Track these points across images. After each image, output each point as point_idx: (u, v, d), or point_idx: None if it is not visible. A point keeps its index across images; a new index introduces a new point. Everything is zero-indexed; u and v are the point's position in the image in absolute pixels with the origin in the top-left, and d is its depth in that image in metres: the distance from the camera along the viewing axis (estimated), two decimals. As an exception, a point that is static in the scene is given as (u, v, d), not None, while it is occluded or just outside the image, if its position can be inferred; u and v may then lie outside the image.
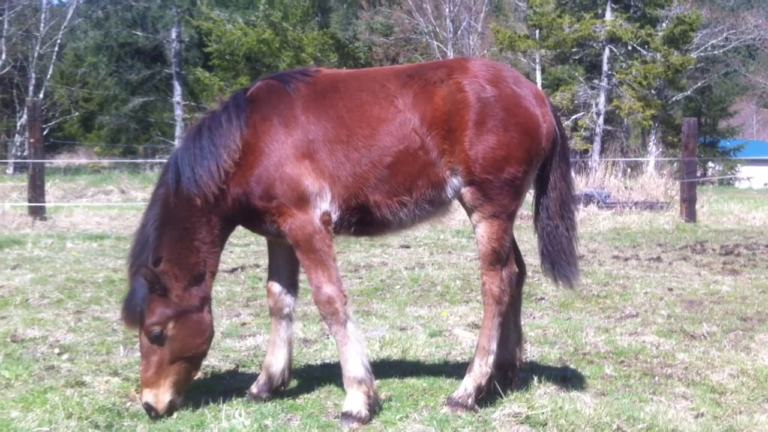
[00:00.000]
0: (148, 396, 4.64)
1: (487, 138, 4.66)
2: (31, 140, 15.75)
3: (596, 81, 38.40)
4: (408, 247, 12.28)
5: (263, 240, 12.16)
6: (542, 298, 8.20)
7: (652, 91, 38.89)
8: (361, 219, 4.85)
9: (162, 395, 4.67)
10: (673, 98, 44.64)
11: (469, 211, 4.83)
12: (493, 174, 4.67)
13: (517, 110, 4.74)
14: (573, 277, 5.05)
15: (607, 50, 37.55)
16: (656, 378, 5.56)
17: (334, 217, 4.76)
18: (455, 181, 4.76)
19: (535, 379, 5.26)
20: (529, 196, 5.34)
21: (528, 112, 4.77)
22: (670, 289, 8.77)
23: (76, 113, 42.59)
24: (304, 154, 4.71)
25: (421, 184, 4.74)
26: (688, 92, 45.36)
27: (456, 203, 5.02)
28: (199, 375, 5.36)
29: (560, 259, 4.99)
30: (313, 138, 4.73)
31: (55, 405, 4.71)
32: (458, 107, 4.68)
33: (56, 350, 6.17)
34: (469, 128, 4.66)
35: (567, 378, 5.51)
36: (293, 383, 5.30)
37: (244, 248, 11.88)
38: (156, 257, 4.68)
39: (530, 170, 4.83)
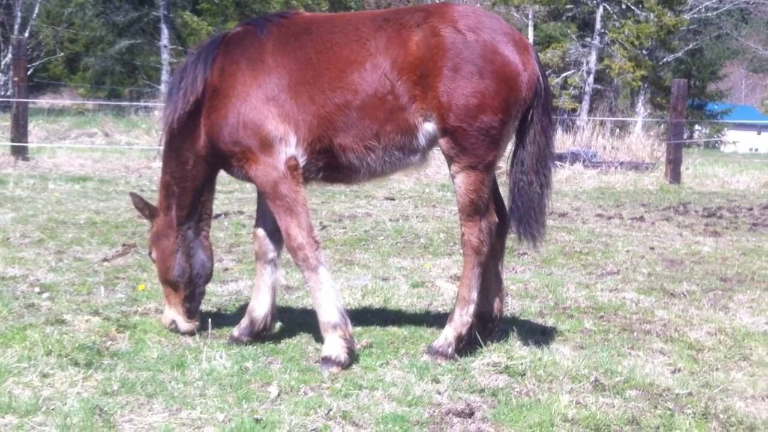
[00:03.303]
0: (164, 312, 5.29)
1: (460, 85, 4.54)
2: (15, 79, 15.51)
3: (588, 39, 38.17)
4: (393, 199, 12.26)
5: (247, 187, 12.22)
6: (524, 253, 8.22)
7: (644, 52, 38.73)
8: (328, 164, 4.81)
9: (167, 314, 5.22)
10: (664, 59, 44.46)
11: (448, 162, 4.77)
12: (466, 122, 4.56)
13: (494, 57, 4.59)
14: (538, 236, 4.91)
15: (600, 8, 37.26)
16: (635, 334, 5.61)
17: (301, 161, 4.73)
18: (428, 128, 4.67)
19: (515, 330, 5.28)
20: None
21: (506, 60, 4.62)
22: (652, 248, 8.82)
23: (62, 54, 41.98)
24: (269, 98, 4.70)
25: (389, 129, 4.66)
26: (680, 54, 45.18)
27: (433, 153, 4.98)
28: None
29: (528, 216, 4.84)
30: (278, 81, 4.71)
31: (35, 342, 4.70)
32: (432, 52, 4.57)
33: (36, 289, 6.15)
34: (443, 74, 4.55)
35: (546, 331, 5.55)
36: (275, 329, 5.31)
37: (228, 195, 11.83)
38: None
39: (508, 120, 4.68)
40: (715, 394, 4.47)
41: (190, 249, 5.18)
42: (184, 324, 5.18)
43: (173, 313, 5.18)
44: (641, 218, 11.06)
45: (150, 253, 5.28)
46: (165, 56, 36.69)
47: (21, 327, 5.05)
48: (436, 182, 14.40)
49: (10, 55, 32.17)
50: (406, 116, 4.64)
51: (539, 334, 5.41)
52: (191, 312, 5.22)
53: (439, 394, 4.32)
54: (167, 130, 4.95)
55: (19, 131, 15.06)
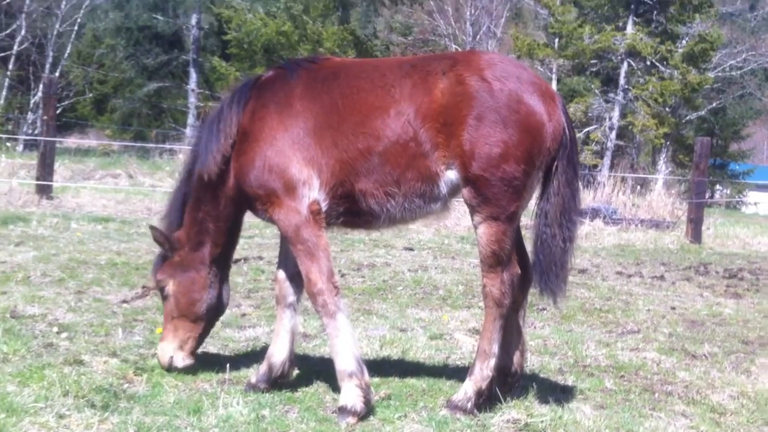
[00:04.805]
0: (159, 347, 5.25)
1: (484, 134, 4.52)
2: (45, 117, 15.73)
3: (611, 94, 38.31)
4: (412, 249, 12.25)
5: (267, 232, 12.26)
6: (543, 309, 8.15)
7: (667, 109, 38.77)
8: (349, 209, 4.82)
9: (165, 349, 5.19)
10: (687, 117, 44.49)
11: (471, 212, 4.74)
12: (489, 172, 4.53)
13: (519, 107, 4.57)
14: (559, 292, 4.82)
15: (625, 64, 37.45)
16: (656, 395, 5.52)
17: (323, 205, 4.75)
18: (451, 177, 4.65)
19: (535, 387, 5.22)
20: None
21: (531, 110, 4.59)
22: (673, 308, 8.73)
23: (90, 94, 42.62)
24: (294, 141, 4.75)
25: (410, 176, 4.65)
26: (702, 112, 45.19)
27: (454, 204, 4.97)
28: (197, 363, 5.36)
29: (549, 270, 4.77)
30: (304, 125, 4.77)
31: (52, 382, 4.70)
32: (456, 100, 4.57)
33: (55, 329, 6.15)
34: (467, 123, 4.54)
35: (567, 389, 5.48)
36: (293, 376, 5.27)
37: (248, 240, 11.85)
38: (177, 221, 5.25)
39: (531, 171, 4.64)
40: (739, 460, 4.38)
41: (220, 286, 5.24)
42: (182, 361, 5.19)
43: (173, 349, 5.18)
44: (662, 277, 10.97)
45: (162, 288, 5.25)
46: (192, 100, 37.21)
47: (39, 366, 5.05)
48: (455, 234, 14.37)
49: (40, 94, 32.80)
50: (428, 164, 4.65)
51: (559, 392, 5.34)
52: (194, 349, 5.27)
53: (457, 450, 4.27)
54: (208, 170, 4.97)
55: (45, 170, 15.23)
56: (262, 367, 5.11)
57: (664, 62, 37.03)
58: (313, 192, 4.73)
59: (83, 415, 4.32)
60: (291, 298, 5.15)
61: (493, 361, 4.83)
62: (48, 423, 4.19)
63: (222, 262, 5.28)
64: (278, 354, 5.09)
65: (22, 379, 4.79)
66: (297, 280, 5.05)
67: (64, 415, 4.31)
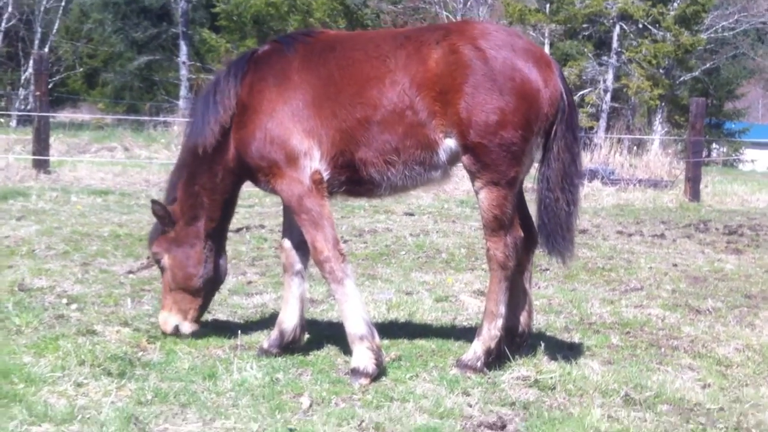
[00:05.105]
0: (160, 316, 5.32)
1: (480, 101, 4.58)
2: (37, 93, 15.65)
3: (605, 58, 38.11)
4: (412, 214, 12.28)
5: (267, 201, 12.28)
6: (547, 269, 8.21)
7: (661, 71, 38.64)
8: (350, 178, 4.88)
9: (168, 317, 5.27)
10: (681, 78, 44.35)
11: (471, 179, 4.81)
12: (487, 138, 4.59)
13: (514, 74, 4.63)
14: (567, 254, 4.91)
15: (617, 27, 37.22)
16: (662, 349, 5.59)
17: (325, 175, 4.80)
18: (450, 144, 4.71)
19: (542, 345, 5.27)
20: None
21: (526, 77, 4.65)
22: (675, 265, 8.80)
23: (81, 69, 42.37)
24: (294, 114, 4.80)
25: (409, 144, 4.71)
26: (696, 73, 45.05)
27: (457, 169, 5.01)
28: (208, 329, 5.42)
29: (556, 233, 4.85)
30: (303, 97, 4.82)
31: (68, 352, 4.75)
32: (451, 69, 4.62)
33: (64, 300, 6.19)
34: (462, 91, 4.59)
35: (574, 346, 5.55)
36: (304, 341, 5.32)
37: (249, 209, 11.87)
38: (172, 196, 5.25)
39: (529, 136, 4.70)
40: (746, 409, 4.46)
41: (215, 258, 5.26)
42: (188, 328, 5.28)
43: (177, 319, 5.26)
44: (662, 235, 11.03)
45: (159, 260, 5.32)
46: (183, 72, 36.94)
47: (53, 337, 5.10)
48: (455, 198, 14.41)
49: (31, 70, 32.55)
50: (426, 132, 4.70)
51: (567, 349, 5.41)
52: (197, 318, 5.34)
53: (470, 406, 4.34)
54: (204, 143, 5.01)
55: (41, 145, 15.19)
56: (274, 333, 5.17)
57: (657, 25, 36.80)
58: (314, 162, 4.78)
59: (101, 383, 4.37)
60: (298, 265, 5.20)
61: (500, 322, 4.90)
62: (66, 392, 4.25)
63: (217, 235, 5.32)
64: (289, 320, 5.16)
65: (37, 350, 4.84)
66: (302, 248, 5.11)
67: (82, 383, 4.36)
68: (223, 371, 4.66)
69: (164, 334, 5.28)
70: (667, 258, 9.26)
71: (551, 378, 4.74)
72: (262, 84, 4.91)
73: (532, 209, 5.09)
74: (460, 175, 13.37)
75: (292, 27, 33.06)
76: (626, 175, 18.06)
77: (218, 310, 6.12)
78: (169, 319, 5.27)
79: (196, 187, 5.15)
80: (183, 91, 35.94)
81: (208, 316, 5.51)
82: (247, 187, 5.46)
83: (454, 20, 45.02)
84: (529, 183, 5.28)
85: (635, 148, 21.38)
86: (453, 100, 4.61)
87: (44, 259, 7.69)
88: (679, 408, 4.45)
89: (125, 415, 3.93)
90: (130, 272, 7.34)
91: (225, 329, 5.55)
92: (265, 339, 5.22)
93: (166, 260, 5.26)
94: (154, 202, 5.27)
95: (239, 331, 5.29)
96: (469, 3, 46.22)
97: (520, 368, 4.90)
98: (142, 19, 42.83)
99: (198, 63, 38.46)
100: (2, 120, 23.52)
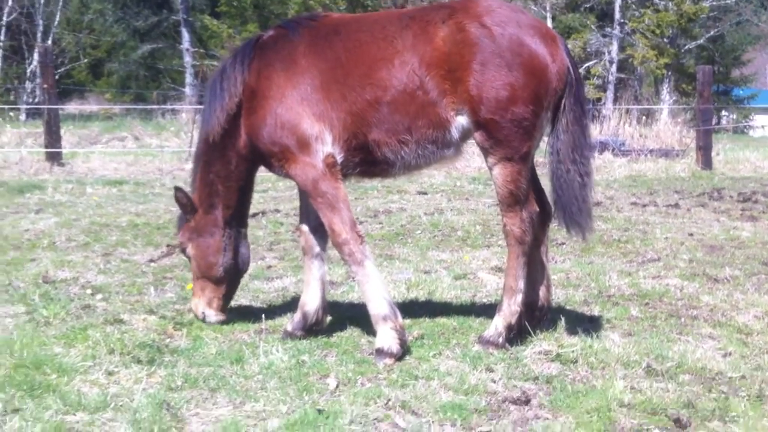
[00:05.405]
0: (192, 302, 5.42)
1: (489, 78, 4.62)
2: (45, 86, 15.74)
3: (608, 29, 37.87)
4: (425, 193, 12.32)
5: (280, 185, 12.32)
6: (563, 243, 8.25)
7: (665, 40, 38.37)
8: (364, 159, 4.92)
9: (198, 304, 5.37)
10: (686, 47, 44.03)
11: (484, 155, 4.86)
12: (498, 114, 4.63)
13: (521, 50, 4.66)
14: (585, 225, 4.95)
15: (618, -2, 36.96)
16: (682, 319, 5.63)
17: (339, 158, 4.85)
18: (461, 122, 4.75)
19: (562, 319, 5.32)
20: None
21: (533, 52, 4.69)
22: (691, 234, 8.82)
23: (85, 60, 42.42)
24: (303, 98, 4.83)
25: (421, 123, 4.75)
26: (701, 41, 44.72)
27: (468, 146, 5.04)
28: (232, 314, 5.49)
29: (571, 205, 4.88)
30: (311, 81, 4.85)
31: (97, 341, 4.83)
32: (459, 47, 4.65)
33: (89, 291, 6.28)
34: (471, 68, 4.63)
35: (593, 319, 5.60)
36: (326, 322, 5.39)
37: (263, 194, 11.94)
38: (193, 186, 5.34)
39: (539, 111, 4.74)
40: (769, 376, 4.49)
41: (236, 247, 5.32)
42: (214, 317, 5.36)
43: (203, 306, 5.34)
44: (676, 205, 11.04)
45: (184, 250, 5.40)
46: (187, 59, 36.92)
47: (82, 327, 5.19)
48: (467, 175, 14.43)
49: (35, 63, 32.61)
50: (437, 110, 4.73)
51: (587, 322, 5.46)
52: (222, 307, 5.40)
53: (494, 382, 4.40)
54: (211, 131, 5.07)
55: (53, 137, 15.29)
56: (297, 316, 5.23)
57: (658, -6, 36.53)
58: (326, 146, 4.82)
59: (131, 371, 4.45)
60: (317, 248, 5.26)
61: (520, 297, 4.95)
62: (98, 380, 4.33)
63: (237, 222, 5.36)
64: (311, 302, 5.22)
65: (67, 341, 4.92)
66: (320, 231, 5.16)
67: (113, 371, 4.44)
68: (250, 355, 4.73)
69: (198, 319, 5.39)
70: (682, 227, 9.27)
71: (573, 351, 4.79)
72: (269, 69, 4.94)
73: (545, 184, 5.13)
74: (470, 151, 13.39)
75: (292, 10, 32.94)
76: (637, 146, 18.04)
77: (240, 295, 6.19)
78: (199, 305, 5.37)
79: (211, 176, 5.21)
80: (188, 79, 35.95)
81: (231, 302, 5.58)
82: (260, 173, 5.50)
83: (457, -4, 44.81)
84: (540, 157, 5.31)
85: (644, 118, 21.30)
86: (462, 77, 4.64)
87: (66, 251, 7.78)
88: (701, 377, 4.49)
89: (157, 402, 4.00)
90: (151, 261, 7.42)
91: (248, 314, 5.62)
92: (288, 322, 5.29)
93: (190, 249, 5.35)
94: (177, 189, 5.30)
95: (263, 315, 5.37)
96: (471, -22, 45.79)
97: (541, 343, 4.96)
98: (143, 7, 42.71)
99: (201, 49, 38.40)
100: (12, 114, 23.58)
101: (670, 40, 39.88)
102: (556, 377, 4.47)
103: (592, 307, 5.96)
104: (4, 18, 36.93)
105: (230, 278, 5.39)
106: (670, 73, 40.17)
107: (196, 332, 5.22)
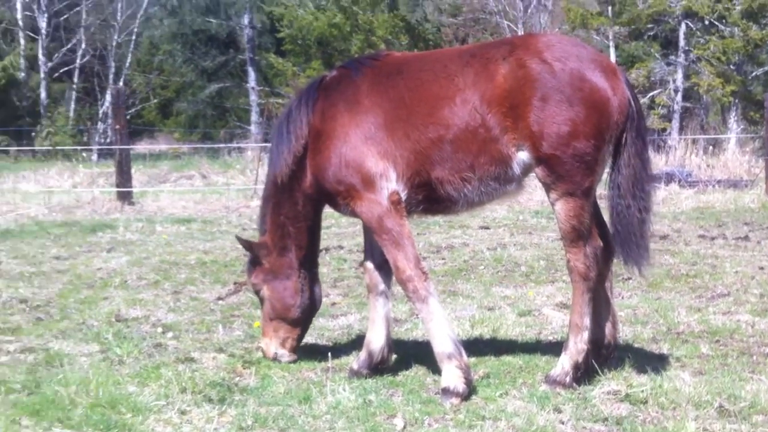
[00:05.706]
0: (261, 343, 5.53)
1: (550, 113, 4.64)
2: (117, 127, 16.26)
3: (672, 57, 37.37)
4: (488, 228, 12.30)
5: (343, 221, 12.45)
6: (629, 278, 8.13)
7: (731, 67, 37.67)
8: (428, 196, 4.97)
9: (269, 345, 5.47)
10: (753, 73, 43.15)
11: (546, 190, 4.86)
12: (560, 150, 4.65)
13: (582, 84, 4.67)
14: (642, 262, 4.89)
15: (683, 25, 36.49)
16: (754, 357, 5.51)
17: (403, 195, 4.91)
18: (523, 158, 4.76)
19: (631, 357, 5.26)
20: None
21: (594, 86, 4.69)
22: (761, 268, 8.61)
23: (155, 100, 43.68)
24: (367, 137, 4.91)
25: (483, 160, 4.79)
26: (768, 67, 43.77)
27: (530, 179, 5.06)
28: (299, 352, 5.56)
29: (630, 241, 4.84)
30: (374, 120, 4.93)
31: (169, 380, 4.95)
32: (520, 84, 4.68)
33: (160, 329, 6.45)
34: (532, 104, 4.65)
35: (663, 357, 5.51)
36: (391, 361, 5.42)
37: (326, 230, 12.02)
38: (264, 228, 5.45)
39: (601, 145, 4.74)
40: None
41: (311, 287, 5.42)
42: (287, 357, 5.45)
43: (276, 346, 5.43)
44: (746, 237, 10.80)
45: (258, 292, 5.49)
46: (253, 98, 37.78)
47: (155, 366, 5.33)
48: (529, 209, 14.36)
49: (107, 104, 33.73)
50: (499, 147, 4.77)
51: (656, 361, 5.38)
52: (295, 348, 5.49)
53: (563, 423, 4.36)
54: (280, 173, 5.19)
55: (123, 177, 15.77)
56: (362, 354, 5.28)
57: (723, 20, 35.93)
58: (391, 183, 4.89)
59: (203, 410, 4.55)
60: (382, 286, 5.31)
61: (586, 334, 4.91)
62: (171, 419, 4.44)
63: (309, 263, 5.46)
64: (376, 341, 5.26)
65: (140, 380, 5.05)
66: (385, 268, 5.21)
67: (186, 411, 4.55)
68: (317, 394, 4.79)
69: (267, 359, 5.48)
70: (752, 261, 9.06)
71: (642, 391, 4.72)
72: (333, 110, 5.05)
73: (606, 217, 5.10)
74: (533, 185, 13.29)
75: (355, 47, 33.51)
76: (704, 177, 17.69)
77: (307, 334, 6.27)
78: (270, 346, 5.45)
79: (282, 217, 5.32)
80: (254, 117, 36.75)
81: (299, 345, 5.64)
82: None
83: (515, 29, 44.87)
84: (601, 190, 5.29)
85: (711, 147, 20.92)
86: (523, 114, 4.67)
87: (137, 289, 8.00)
88: (777, 418, 4.38)
89: (229, 441, 4.09)
90: (219, 299, 7.58)
91: (315, 352, 5.70)
92: (354, 360, 5.34)
93: (264, 291, 5.43)
94: (239, 239, 5.50)
95: (329, 354, 5.43)
96: (529, 11, 45.95)
97: (610, 382, 4.90)
98: (210, 47, 43.95)
99: (266, 88, 39.25)
100: (84, 155, 24.40)
101: (736, 67, 39.10)
102: (626, 418, 4.41)
103: (661, 344, 5.87)
104: (78, 61, 38.33)
105: (305, 318, 5.50)
106: (737, 100, 39.29)
107: (264, 371, 5.30)
